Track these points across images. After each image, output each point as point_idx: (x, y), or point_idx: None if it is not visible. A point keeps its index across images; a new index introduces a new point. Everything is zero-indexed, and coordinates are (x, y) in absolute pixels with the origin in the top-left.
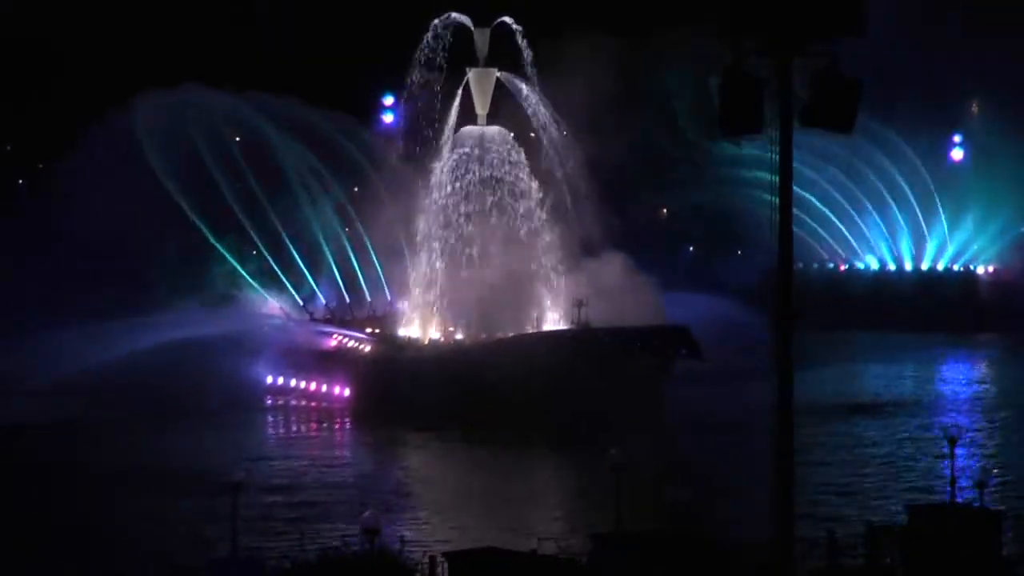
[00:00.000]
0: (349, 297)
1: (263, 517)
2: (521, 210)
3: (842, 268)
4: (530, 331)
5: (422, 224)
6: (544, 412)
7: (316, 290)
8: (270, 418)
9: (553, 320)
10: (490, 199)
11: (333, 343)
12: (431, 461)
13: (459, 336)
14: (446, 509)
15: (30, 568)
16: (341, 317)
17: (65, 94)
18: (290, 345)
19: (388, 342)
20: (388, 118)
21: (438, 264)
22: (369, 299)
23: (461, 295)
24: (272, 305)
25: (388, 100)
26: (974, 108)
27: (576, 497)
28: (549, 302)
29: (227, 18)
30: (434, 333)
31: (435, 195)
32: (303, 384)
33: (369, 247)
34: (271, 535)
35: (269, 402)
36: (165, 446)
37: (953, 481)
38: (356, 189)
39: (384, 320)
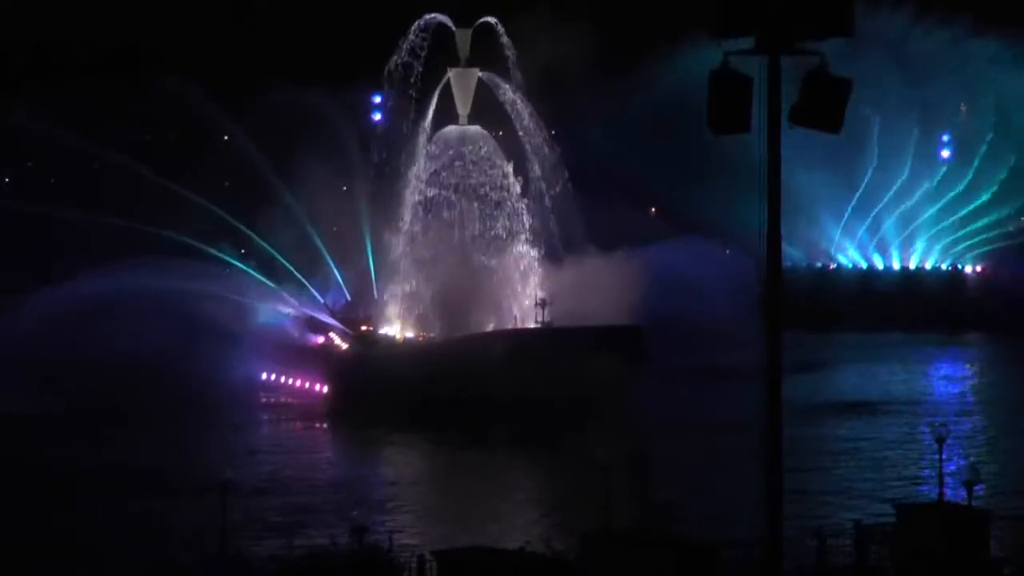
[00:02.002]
0: (357, 296)
1: (251, 516)
2: (500, 209)
3: (831, 267)
4: (487, 330)
5: (401, 222)
6: (492, 411)
7: (308, 284)
8: (263, 416)
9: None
10: (469, 199)
11: (321, 340)
12: (414, 460)
13: (432, 334)
14: (432, 508)
15: (19, 570)
16: (346, 316)
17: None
18: (280, 341)
19: (363, 340)
20: (377, 116)
21: (414, 262)
22: (377, 296)
23: (434, 294)
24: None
25: (377, 99)
26: (963, 108)
27: (557, 496)
28: (527, 300)
29: (224, 12)
30: (410, 331)
31: (414, 194)
32: (291, 381)
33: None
34: (259, 534)
35: (264, 400)
36: (156, 444)
37: (941, 480)
38: (344, 188)
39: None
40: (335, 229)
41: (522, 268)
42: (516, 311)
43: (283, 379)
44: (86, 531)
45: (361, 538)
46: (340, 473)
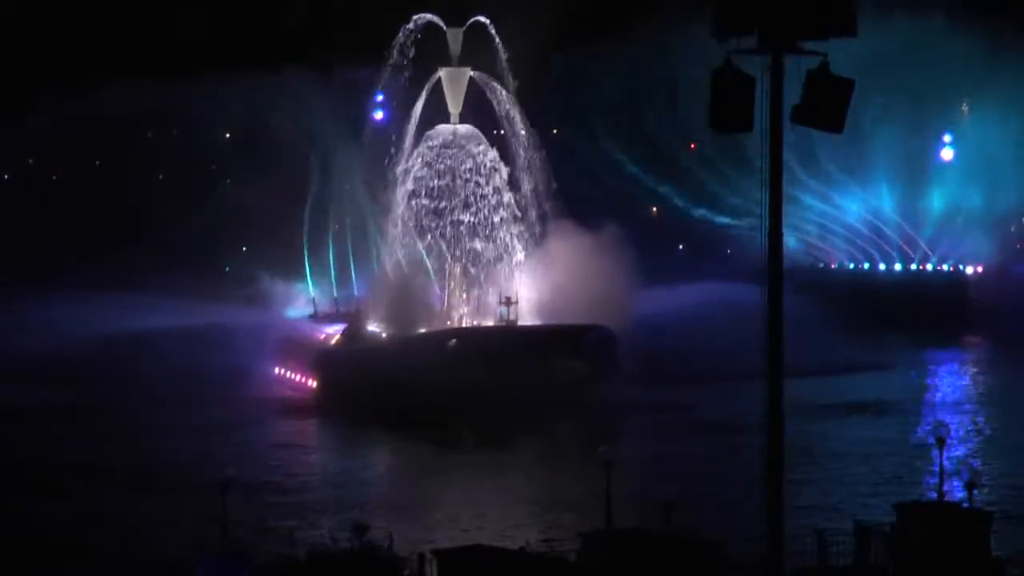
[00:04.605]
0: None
1: (250, 514)
2: (490, 208)
3: (833, 266)
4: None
5: (390, 219)
6: (438, 408)
7: (310, 285)
8: (266, 411)
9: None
10: (460, 197)
11: (323, 335)
12: (410, 457)
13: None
14: (429, 506)
15: (17, 568)
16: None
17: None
18: (289, 337)
19: (350, 336)
20: (379, 115)
21: (401, 258)
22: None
23: (415, 290)
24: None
25: (379, 97)
26: (964, 108)
27: (555, 494)
28: (513, 296)
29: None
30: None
31: (401, 192)
32: (293, 376)
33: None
34: (259, 532)
35: (270, 394)
36: (160, 441)
37: (942, 480)
38: (347, 186)
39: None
40: (336, 227)
41: (507, 266)
42: (496, 308)
43: (287, 373)
44: (83, 528)
45: (361, 536)
46: (336, 470)
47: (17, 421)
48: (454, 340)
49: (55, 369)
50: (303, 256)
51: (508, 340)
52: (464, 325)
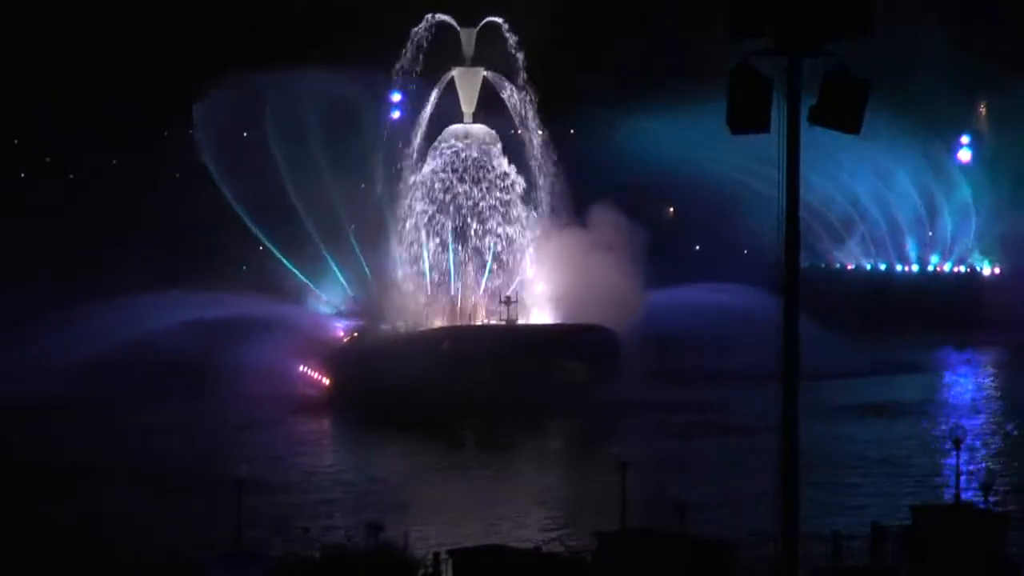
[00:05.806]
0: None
1: (264, 513)
2: (500, 206)
3: (849, 267)
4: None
5: (405, 217)
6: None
7: (311, 284)
8: (283, 408)
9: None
10: (474, 197)
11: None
12: (421, 457)
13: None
14: (445, 506)
15: (25, 565)
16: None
17: (67, 88)
18: (310, 334)
19: (362, 332)
20: (396, 115)
21: (416, 256)
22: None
23: (428, 289)
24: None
25: (396, 97)
26: (982, 109)
27: (568, 494)
28: (513, 296)
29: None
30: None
31: (414, 191)
32: (312, 373)
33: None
34: (273, 531)
35: (290, 391)
36: (173, 437)
37: (958, 482)
38: (363, 185)
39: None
40: (352, 227)
41: (516, 265)
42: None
43: (307, 371)
44: (92, 529)
45: (377, 536)
46: (347, 468)
47: (19, 420)
48: (447, 341)
49: (62, 369)
50: (321, 255)
51: (505, 340)
52: (471, 324)
